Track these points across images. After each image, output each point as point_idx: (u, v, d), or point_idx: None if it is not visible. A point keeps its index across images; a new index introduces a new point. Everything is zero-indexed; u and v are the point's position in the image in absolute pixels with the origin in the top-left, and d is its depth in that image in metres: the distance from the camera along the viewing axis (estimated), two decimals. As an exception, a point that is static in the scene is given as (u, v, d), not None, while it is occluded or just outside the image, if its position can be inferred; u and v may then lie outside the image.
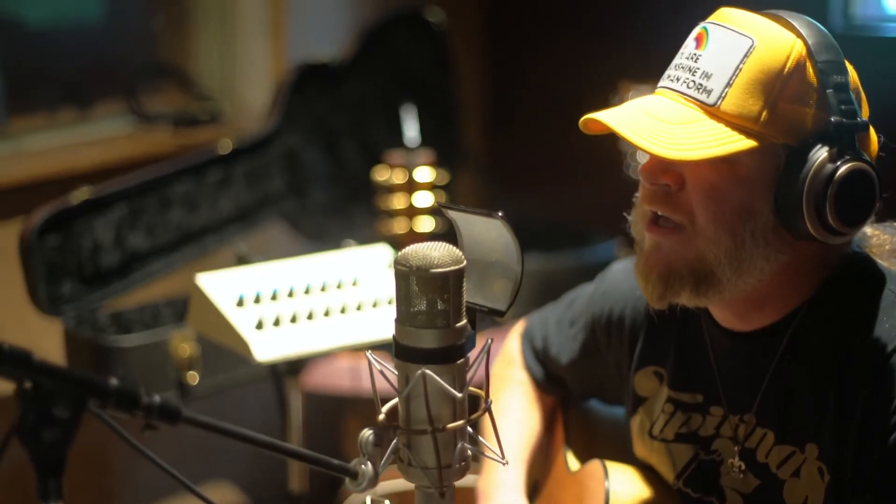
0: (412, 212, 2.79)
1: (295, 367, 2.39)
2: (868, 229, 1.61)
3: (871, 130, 1.56)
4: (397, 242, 2.74)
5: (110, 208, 3.01)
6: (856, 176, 1.47)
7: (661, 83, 1.57)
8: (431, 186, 2.81)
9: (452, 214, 1.33)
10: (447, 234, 1.35)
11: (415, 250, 1.27)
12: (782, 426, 1.58)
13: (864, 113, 1.54)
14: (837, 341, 1.54)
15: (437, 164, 2.85)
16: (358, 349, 2.36)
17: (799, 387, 1.56)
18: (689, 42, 1.56)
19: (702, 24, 1.56)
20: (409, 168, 2.81)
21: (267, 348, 2.14)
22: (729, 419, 1.64)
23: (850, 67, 1.53)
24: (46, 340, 2.96)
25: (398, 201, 2.79)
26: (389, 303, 2.26)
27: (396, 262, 1.26)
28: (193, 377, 2.82)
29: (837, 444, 1.51)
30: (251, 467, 3.63)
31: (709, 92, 1.50)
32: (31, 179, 3.25)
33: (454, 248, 1.28)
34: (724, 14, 1.55)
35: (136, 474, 3.38)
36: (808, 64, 1.49)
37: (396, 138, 3.22)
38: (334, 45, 3.74)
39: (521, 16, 4.45)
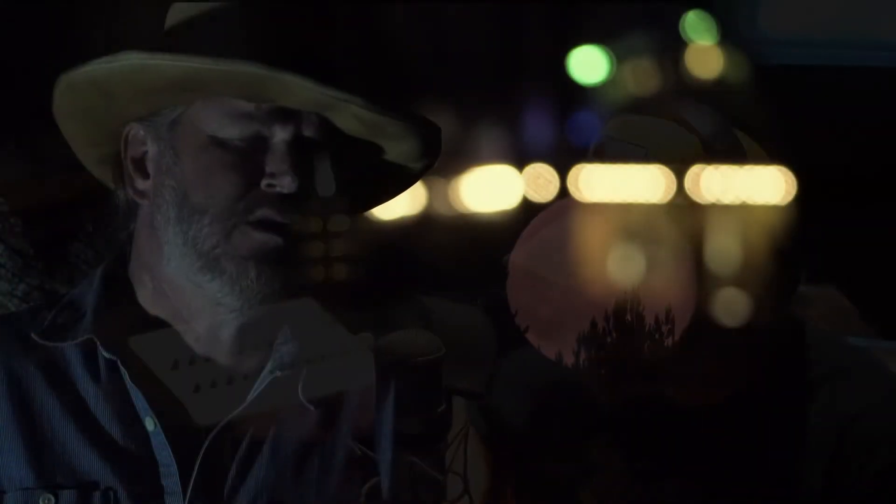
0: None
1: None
2: (809, 292, 1.69)
3: None
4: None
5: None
6: None
7: None
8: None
9: (430, 303, 1.38)
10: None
11: (399, 339, 1.31)
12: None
13: None
14: (792, 412, 1.61)
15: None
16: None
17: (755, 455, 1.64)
18: (591, 157, 1.62)
19: (599, 138, 1.62)
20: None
21: (206, 412, 2.14)
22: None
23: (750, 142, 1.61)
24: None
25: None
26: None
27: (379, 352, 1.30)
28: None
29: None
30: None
31: None
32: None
33: (434, 336, 1.32)
34: (619, 125, 1.61)
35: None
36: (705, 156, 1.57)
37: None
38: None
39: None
